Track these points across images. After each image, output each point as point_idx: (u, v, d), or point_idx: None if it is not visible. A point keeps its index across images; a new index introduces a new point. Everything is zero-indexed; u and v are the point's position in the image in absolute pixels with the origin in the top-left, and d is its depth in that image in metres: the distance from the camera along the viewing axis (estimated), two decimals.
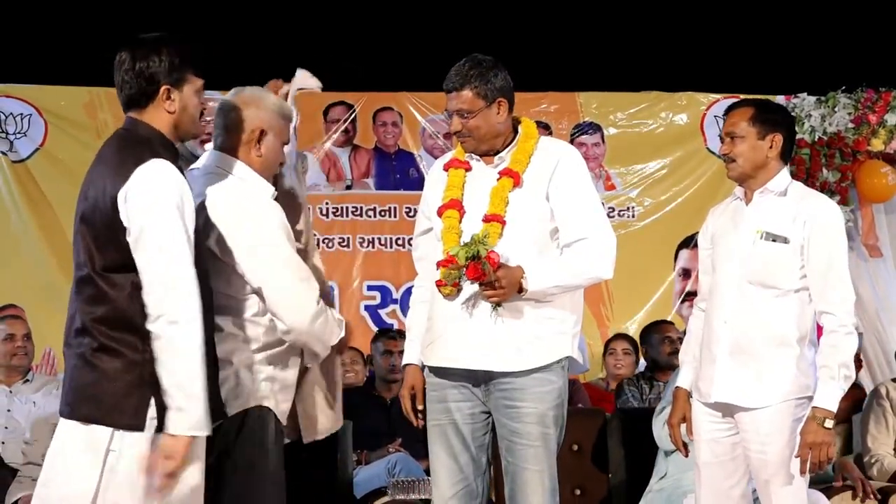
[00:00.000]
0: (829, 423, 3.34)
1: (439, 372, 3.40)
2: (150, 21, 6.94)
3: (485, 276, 3.16)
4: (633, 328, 7.20)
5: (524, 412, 3.29)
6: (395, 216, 7.29)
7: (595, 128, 7.57)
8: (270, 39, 7.20)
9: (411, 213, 7.21)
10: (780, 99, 7.50)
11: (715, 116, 7.48)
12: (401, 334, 4.22)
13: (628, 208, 7.53)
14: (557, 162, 3.37)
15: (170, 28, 7.04)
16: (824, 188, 7.42)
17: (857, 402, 5.34)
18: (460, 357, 3.33)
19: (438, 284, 3.31)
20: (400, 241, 7.22)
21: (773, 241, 3.45)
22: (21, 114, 7.07)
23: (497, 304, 3.23)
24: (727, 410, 3.51)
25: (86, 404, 2.72)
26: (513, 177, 3.35)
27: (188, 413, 2.67)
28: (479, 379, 3.34)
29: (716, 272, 3.59)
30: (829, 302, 3.41)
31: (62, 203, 7.02)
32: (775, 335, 3.45)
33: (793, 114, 7.45)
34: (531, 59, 7.02)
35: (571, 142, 7.44)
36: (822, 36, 7.30)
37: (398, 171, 7.45)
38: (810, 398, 3.41)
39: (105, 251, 2.73)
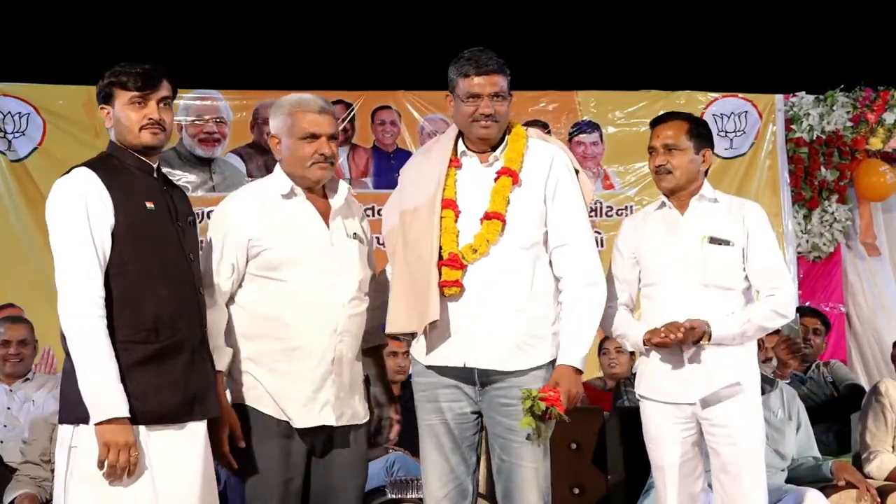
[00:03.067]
0: (709, 338, 3.56)
1: (433, 371, 3.40)
2: (148, 21, 6.96)
3: (563, 410, 3.20)
4: None
5: (520, 409, 3.27)
6: None
7: (593, 126, 7.57)
8: (269, 39, 7.20)
9: None
10: (778, 98, 7.53)
11: (713, 115, 7.49)
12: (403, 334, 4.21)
13: (626, 207, 7.52)
14: (551, 164, 3.40)
15: (170, 26, 7.02)
16: (823, 187, 7.44)
17: (855, 401, 5.34)
18: (462, 356, 3.33)
19: (443, 285, 3.31)
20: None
21: (719, 244, 3.64)
22: (19, 113, 7.06)
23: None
24: (695, 409, 3.66)
25: (61, 407, 3.01)
26: (512, 176, 3.37)
27: (90, 402, 2.89)
28: (475, 378, 3.35)
29: (657, 280, 3.73)
30: (776, 286, 3.65)
31: None
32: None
33: (791, 112, 7.48)
34: (530, 58, 7.02)
35: (570, 140, 7.45)
36: (821, 35, 7.32)
37: (396, 170, 7.40)
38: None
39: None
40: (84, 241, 2.93)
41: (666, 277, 3.70)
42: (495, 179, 3.37)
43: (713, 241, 3.64)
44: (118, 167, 3.08)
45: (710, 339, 3.57)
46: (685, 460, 3.69)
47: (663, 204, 3.80)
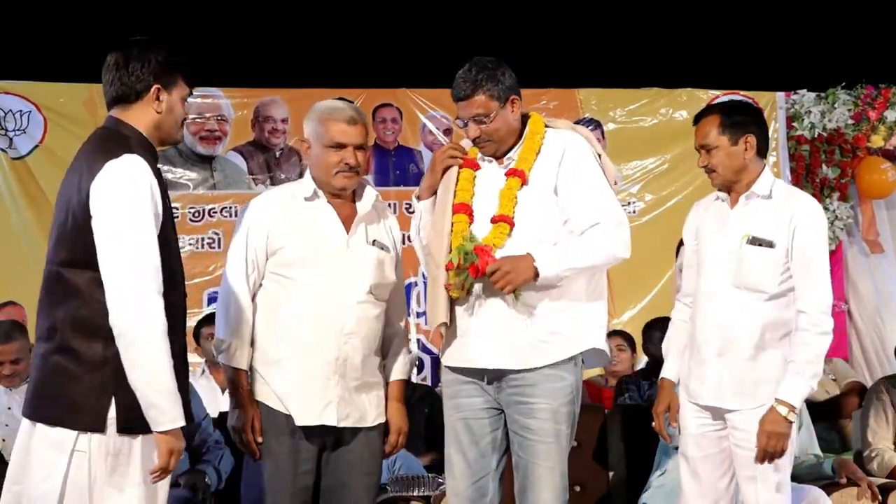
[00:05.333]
0: (792, 417, 3.39)
1: (453, 370, 3.41)
2: (148, 18, 6.96)
3: (483, 270, 3.18)
4: (630, 322, 7.21)
5: (536, 408, 3.28)
6: (395, 212, 7.27)
7: (595, 124, 7.56)
8: (271, 37, 7.20)
9: (411, 210, 7.20)
10: (779, 95, 7.52)
11: None
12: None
13: (629, 203, 7.53)
14: (563, 153, 3.36)
15: (170, 24, 7.03)
16: (824, 184, 7.44)
17: (857, 398, 5.34)
18: (477, 357, 3.33)
19: (447, 288, 3.32)
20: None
21: (759, 245, 3.47)
22: (20, 111, 7.07)
23: (515, 294, 3.22)
24: (717, 411, 3.56)
25: (49, 406, 2.74)
26: (519, 176, 3.34)
27: (161, 408, 2.68)
28: (492, 376, 3.34)
29: (701, 273, 3.62)
30: (806, 302, 3.44)
31: None
32: (763, 337, 3.49)
33: (792, 110, 7.48)
34: (531, 56, 7.02)
35: None
36: (822, 32, 7.31)
37: (398, 168, 7.45)
38: None
39: (72, 245, 2.75)
40: (152, 239, 2.70)
41: (707, 272, 3.59)
42: (505, 181, 3.36)
43: (754, 241, 3.48)
44: (151, 161, 2.80)
45: None
46: (706, 454, 3.58)
47: (718, 196, 3.68)
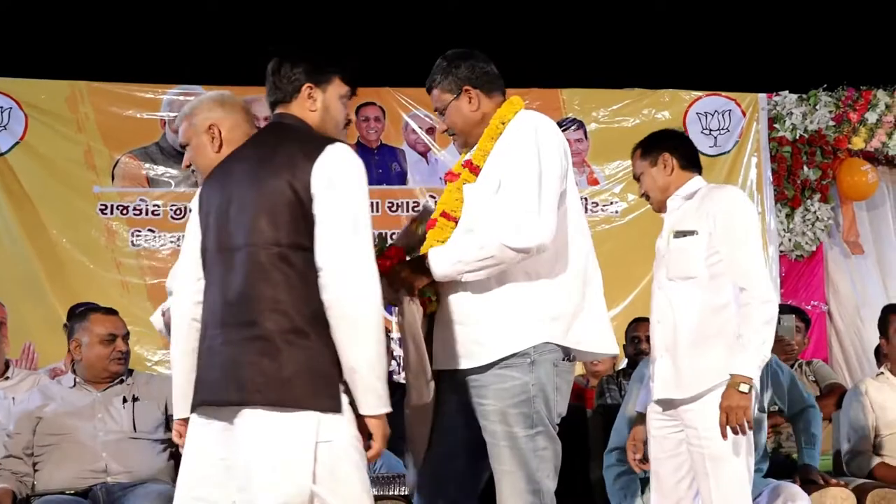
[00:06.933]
0: (745, 388, 3.46)
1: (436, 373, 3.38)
2: (133, 16, 6.94)
3: (385, 270, 3.06)
4: (611, 322, 7.22)
5: (487, 410, 3.17)
6: (377, 211, 7.26)
7: (578, 124, 7.58)
8: (253, 34, 7.18)
9: (394, 208, 7.23)
10: (761, 97, 7.55)
11: (697, 114, 7.53)
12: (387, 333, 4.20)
13: (612, 203, 7.54)
14: (507, 130, 3.27)
15: (153, 22, 6.95)
16: (805, 186, 7.47)
17: (837, 400, 5.37)
18: (436, 361, 3.26)
19: (423, 303, 3.27)
20: (383, 236, 7.20)
21: (684, 236, 3.68)
22: (1, 107, 7.03)
23: (425, 292, 3.17)
24: (670, 406, 3.66)
25: (294, 390, 2.62)
26: (466, 166, 3.28)
27: (379, 392, 2.65)
28: (454, 378, 3.26)
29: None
30: (741, 278, 3.57)
31: (42, 197, 6.98)
32: (701, 325, 3.61)
33: (774, 111, 7.50)
34: (514, 56, 7.00)
35: None
36: (804, 34, 7.34)
37: (380, 166, 7.44)
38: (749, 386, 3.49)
39: (288, 231, 2.68)
40: (370, 226, 2.69)
41: (655, 277, 3.82)
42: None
43: (678, 234, 3.70)
44: None
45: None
46: (666, 456, 3.69)
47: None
